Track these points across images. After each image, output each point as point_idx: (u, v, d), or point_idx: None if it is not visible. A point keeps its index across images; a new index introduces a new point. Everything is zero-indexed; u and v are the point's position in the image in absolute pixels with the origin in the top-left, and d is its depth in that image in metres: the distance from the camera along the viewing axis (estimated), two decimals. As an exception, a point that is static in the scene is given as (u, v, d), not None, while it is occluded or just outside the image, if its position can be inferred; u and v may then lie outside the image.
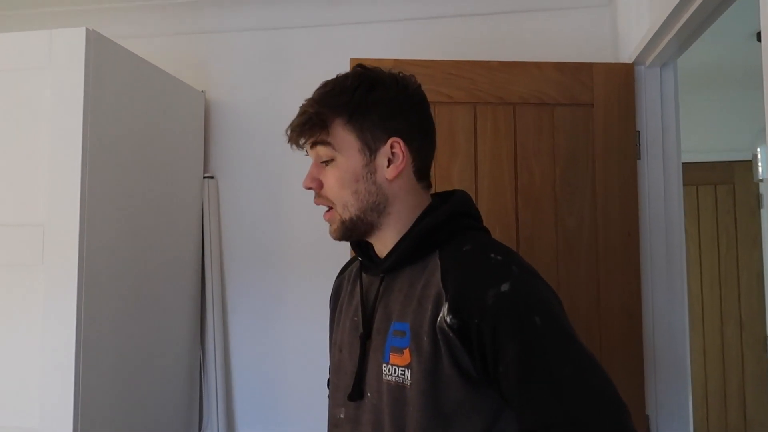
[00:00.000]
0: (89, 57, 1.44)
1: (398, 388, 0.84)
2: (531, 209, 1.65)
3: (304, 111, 0.92)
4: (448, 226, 0.90)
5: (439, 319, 0.81)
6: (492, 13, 1.94)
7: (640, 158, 1.69)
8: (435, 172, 1.60)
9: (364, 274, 1.00)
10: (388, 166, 0.90)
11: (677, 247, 1.70)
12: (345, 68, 1.73)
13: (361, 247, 1.00)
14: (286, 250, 2.03)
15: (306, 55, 2.06)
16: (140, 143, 1.69)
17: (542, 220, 1.65)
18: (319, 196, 0.93)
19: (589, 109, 1.66)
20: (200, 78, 2.09)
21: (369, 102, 0.90)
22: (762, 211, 3.16)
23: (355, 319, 0.96)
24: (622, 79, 1.67)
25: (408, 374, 0.83)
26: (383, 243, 0.94)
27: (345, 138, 0.90)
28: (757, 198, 3.19)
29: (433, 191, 0.99)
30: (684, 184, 1.74)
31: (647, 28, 1.53)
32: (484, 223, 0.98)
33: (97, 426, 1.46)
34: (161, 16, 2.13)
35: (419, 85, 0.96)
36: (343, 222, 0.91)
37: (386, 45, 1.93)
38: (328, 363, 1.07)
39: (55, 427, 1.39)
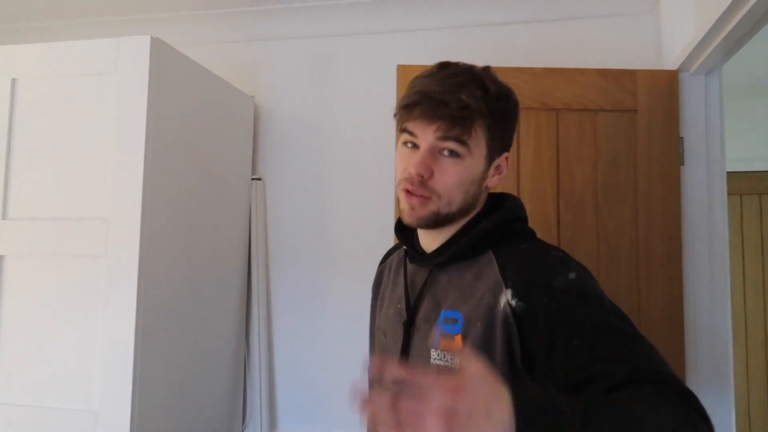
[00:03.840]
0: (152, 63, 1.53)
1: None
2: (572, 213, 1.67)
3: (465, 104, 0.85)
4: (502, 230, 0.93)
5: (501, 306, 0.84)
6: (536, 21, 1.97)
7: (683, 164, 1.69)
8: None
9: (408, 263, 1.03)
10: (493, 176, 0.94)
11: (720, 254, 1.69)
12: (391, 75, 1.82)
13: (405, 236, 1.03)
14: (329, 250, 2.09)
15: (352, 62, 2.13)
16: (195, 145, 1.77)
17: (583, 224, 1.67)
18: (423, 186, 0.88)
19: (633, 115, 1.68)
20: (250, 83, 2.18)
21: (507, 113, 0.93)
22: (809, 221, 3.09)
23: (399, 306, 1.00)
24: (665, 86, 1.68)
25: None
26: (436, 236, 0.96)
27: (479, 142, 0.89)
28: (804, 208, 3.12)
29: None
30: (728, 194, 1.73)
31: (692, 35, 1.54)
32: None
33: (152, 411, 1.54)
34: (215, 24, 2.23)
35: None
36: (437, 214, 0.90)
37: (431, 52, 1.98)
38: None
39: (114, 411, 1.47)
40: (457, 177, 0.88)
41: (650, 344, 0.77)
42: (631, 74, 1.69)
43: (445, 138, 0.87)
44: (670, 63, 1.74)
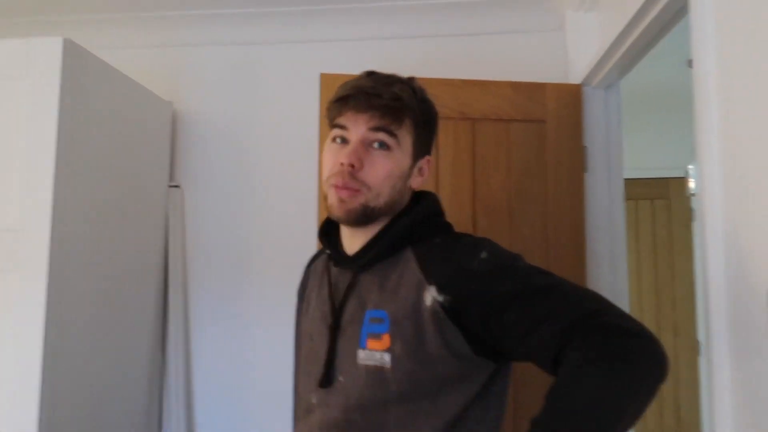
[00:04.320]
0: (66, 66, 1.47)
1: (377, 370, 0.89)
2: (489, 218, 1.76)
3: (397, 96, 0.92)
4: (421, 226, 0.98)
5: (428, 303, 0.87)
6: (454, 35, 2.06)
7: (587, 171, 1.83)
8: (400, 181, 1.70)
9: (332, 267, 1.04)
10: (416, 176, 0.99)
11: (619, 254, 1.84)
12: (314, 83, 1.83)
13: (329, 240, 1.04)
14: (250, 258, 2.07)
15: (275, 70, 2.13)
16: (109, 151, 1.71)
17: (499, 228, 1.76)
18: (353, 179, 0.91)
19: (542, 125, 1.79)
20: (168, 89, 2.12)
21: (430, 118, 1.00)
22: (694, 223, 3.38)
23: (324, 309, 1.01)
24: (571, 99, 1.81)
25: (387, 357, 0.88)
26: (359, 236, 0.99)
27: (407, 138, 0.94)
28: (690, 212, 3.42)
29: None
30: (625, 198, 1.88)
31: (594, 52, 1.68)
32: None
33: (60, 430, 1.47)
34: (135, 28, 2.16)
35: None
36: (365, 207, 0.92)
37: (354, 62, 2.00)
38: (290, 370, 1.12)
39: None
40: (387, 169, 0.92)
41: (570, 284, 0.84)
42: (540, 87, 1.81)
43: (376, 128, 0.91)
44: (575, 77, 1.88)
